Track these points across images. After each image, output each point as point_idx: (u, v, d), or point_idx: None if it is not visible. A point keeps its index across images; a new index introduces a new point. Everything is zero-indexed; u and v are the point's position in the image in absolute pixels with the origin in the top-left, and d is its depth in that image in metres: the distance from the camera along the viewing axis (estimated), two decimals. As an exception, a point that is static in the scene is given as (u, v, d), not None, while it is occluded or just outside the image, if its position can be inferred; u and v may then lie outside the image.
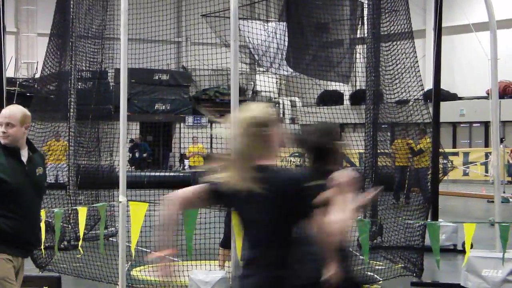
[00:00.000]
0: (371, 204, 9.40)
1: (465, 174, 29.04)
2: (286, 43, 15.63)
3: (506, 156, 24.81)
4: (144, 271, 10.41)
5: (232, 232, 8.12)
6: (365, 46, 12.87)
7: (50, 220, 9.88)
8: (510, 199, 22.49)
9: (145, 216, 7.91)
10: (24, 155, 5.52)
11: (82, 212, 8.67)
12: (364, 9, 14.22)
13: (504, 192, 22.26)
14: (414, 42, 11.23)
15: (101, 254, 9.61)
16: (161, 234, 4.01)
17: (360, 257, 11.20)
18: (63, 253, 10.95)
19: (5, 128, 5.45)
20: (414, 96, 11.20)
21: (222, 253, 9.56)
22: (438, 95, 11.30)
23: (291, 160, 32.19)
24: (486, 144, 31.13)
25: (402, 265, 10.59)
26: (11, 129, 5.44)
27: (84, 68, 13.35)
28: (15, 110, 5.54)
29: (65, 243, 11.91)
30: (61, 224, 9.66)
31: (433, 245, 7.74)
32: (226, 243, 9.26)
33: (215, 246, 9.92)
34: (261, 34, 16.35)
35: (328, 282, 3.97)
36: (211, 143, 29.96)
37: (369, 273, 10.28)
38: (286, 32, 15.71)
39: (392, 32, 11.78)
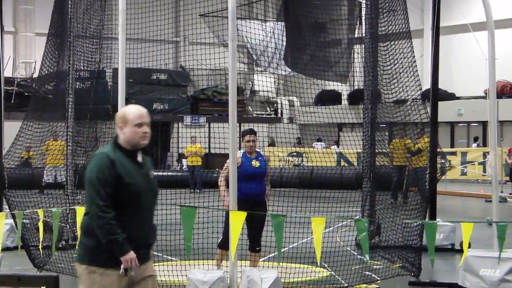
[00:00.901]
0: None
1: (463, 173, 29.07)
2: (284, 43, 15.63)
3: (504, 155, 24.82)
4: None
5: (229, 232, 8.12)
6: (363, 45, 12.87)
7: (48, 220, 9.88)
8: (508, 199, 22.52)
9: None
10: (139, 156, 5.28)
11: (80, 212, 8.66)
12: (362, 9, 14.23)
13: (502, 192, 22.30)
14: (412, 42, 11.24)
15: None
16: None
17: (359, 256, 11.23)
18: (61, 252, 10.95)
19: (147, 128, 5.22)
20: (412, 95, 11.20)
21: (219, 253, 9.56)
22: (436, 95, 11.31)
23: (289, 160, 32.22)
24: (484, 144, 31.16)
25: (400, 264, 10.60)
26: (149, 129, 5.23)
27: (82, 68, 13.34)
28: (145, 110, 5.33)
29: (63, 242, 11.90)
30: (59, 223, 9.66)
31: (428, 244, 7.73)
32: (224, 244, 9.26)
33: (213, 245, 9.93)
34: (259, 34, 16.36)
35: None
36: (209, 142, 30.01)
37: (367, 272, 10.29)
38: (284, 32, 15.71)
39: (390, 31, 11.78)
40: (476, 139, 31.98)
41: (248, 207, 8.60)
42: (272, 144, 33.92)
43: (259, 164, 9.41)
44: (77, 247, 5.28)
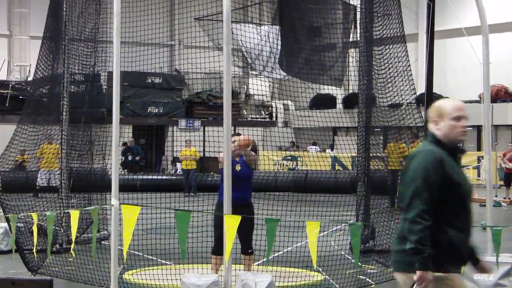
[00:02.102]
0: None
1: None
2: (279, 47, 15.63)
3: (498, 160, 24.86)
4: (136, 274, 10.39)
5: (224, 235, 8.10)
6: (358, 49, 12.88)
7: (42, 224, 9.86)
8: (502, 203, 22.53)
9: (137, 219, 7.89)
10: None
11: (74, 215, 8.65)
12: (357, 13, 14.25)
13: (496, 196, 22.31)
14: (406, 46, 11.27)
15: (93, 258, 9.59)
16: None
17: (353, 260, 11.22)
18: (55, 256, 10.93)
19: (466, 122, 4.80)
20: (407, 99, 11.22)
21: (214, 261, 9.47)
22: (430, 99, 11.34)
23: (283, 164, 32.21)
24: (479, 148, 31.20)
25: (394, 268, 10.59)
26: (467, 123, 4.78)
27: (77, 71, 13.33)
28: (462, 103, 4.97)
29: (57, 246, 11.88)
30: (53, 227, 9.63)
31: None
32: (217, 249, 9.23)
33: (208, 249, 9.90)
34: (254, 38, 16.37)
35: None
36: (204, 146, 30.02)
37: (361, 277, 10.28)
38: (279, 36, 15.71)
39: (385, 36, 11.80)
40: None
41: (234, 209, 8.58)
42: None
43: (240, 168, 9.54)
44: (393, 255, 4.95)
